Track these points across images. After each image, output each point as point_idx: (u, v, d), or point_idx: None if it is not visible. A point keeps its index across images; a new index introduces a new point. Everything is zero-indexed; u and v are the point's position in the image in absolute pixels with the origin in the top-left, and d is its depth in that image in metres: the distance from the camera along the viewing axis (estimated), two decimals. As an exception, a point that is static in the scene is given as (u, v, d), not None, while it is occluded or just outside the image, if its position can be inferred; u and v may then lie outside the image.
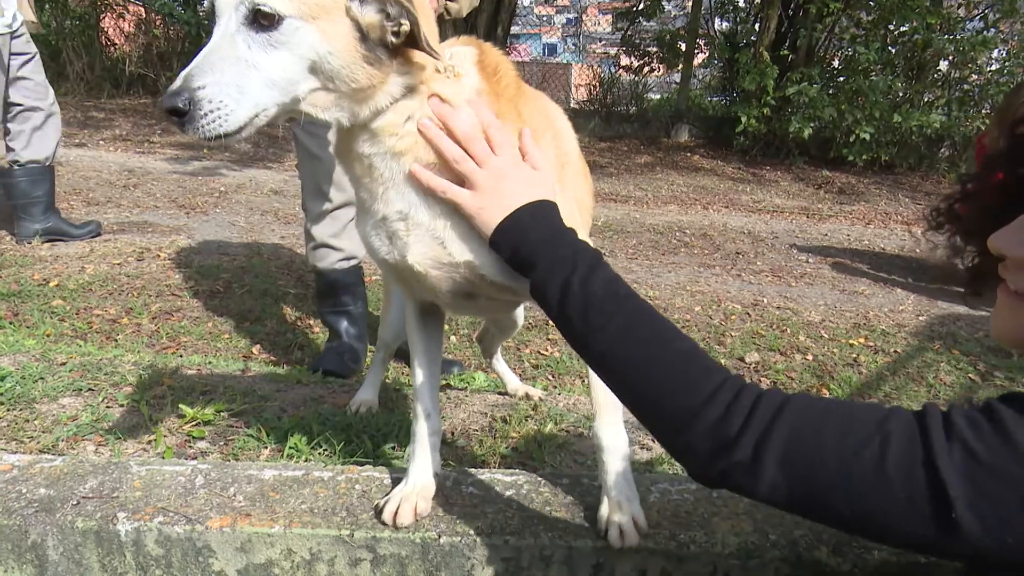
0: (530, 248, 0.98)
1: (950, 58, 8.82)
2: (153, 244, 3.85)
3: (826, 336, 3.36)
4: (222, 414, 1.74)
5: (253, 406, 1.82)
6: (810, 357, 3.13)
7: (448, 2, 2.12)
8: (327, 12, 0.96)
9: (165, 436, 1.63)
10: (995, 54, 9.18)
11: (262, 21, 0.94)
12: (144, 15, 9.71)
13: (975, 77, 8.98)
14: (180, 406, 1.73)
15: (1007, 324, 0.80)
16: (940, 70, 9.10)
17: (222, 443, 1.64)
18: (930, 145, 8.60)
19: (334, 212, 2.36)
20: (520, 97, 1.20)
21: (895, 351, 3.25)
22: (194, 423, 1.69)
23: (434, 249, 1.14)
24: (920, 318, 3.70)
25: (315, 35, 0.95)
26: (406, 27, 0.98)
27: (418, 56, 1.03)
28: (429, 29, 1.05)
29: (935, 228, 0.97)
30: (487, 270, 1.13)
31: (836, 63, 9.02)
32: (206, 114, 0.94)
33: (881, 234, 5.95)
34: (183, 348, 2.77)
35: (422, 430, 1.32)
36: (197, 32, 9.56)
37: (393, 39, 0.99)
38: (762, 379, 2.95)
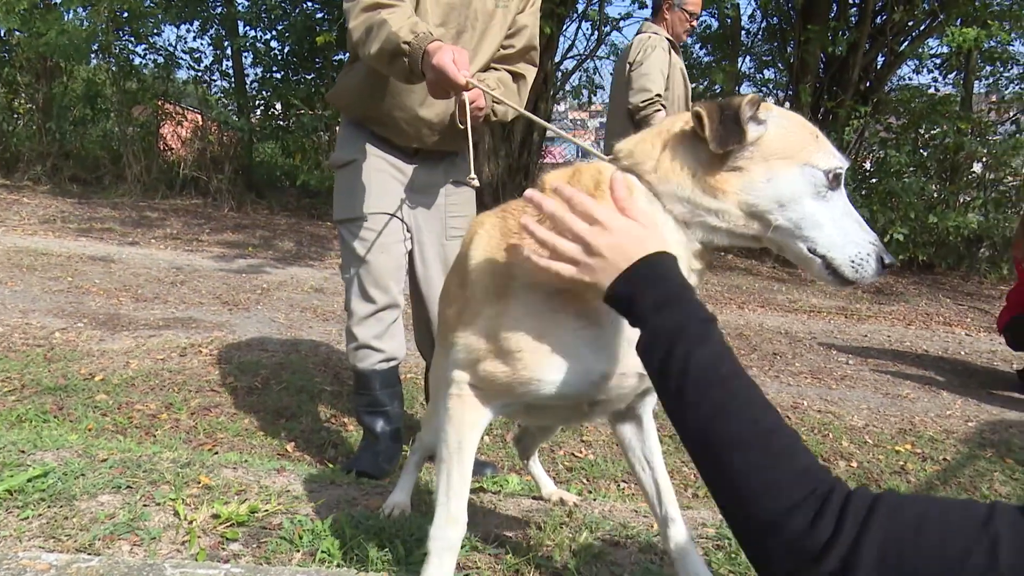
0: (640, 309, 0.98)
1: (984, 160, 8.89)
2: (196, 340, 3.95)
3: (870, 442, 3.26)
4: (256, 515, 1.74)
5: (287, 507, 1.81)
6: (855, 464, 3.03)
7: (496, 105, 2.22)
8: None
9: (199, 537, 1.62)
10: (1029, 156, 9.23)
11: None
12: (201, 122, 10.34)
13: (1010, 179, 9.01)
14: (215, 506, 1.73)
15: None
16: (974, 172, 9.15)
17: (255, 545, 1.63)
18: (969, 245, 8.54)
19: (378, 314, 2.41)
20: None
21: (944, 459, 3.13)
22: (228, 524, 1.68)
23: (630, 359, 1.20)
24: (969, 424, 3.58)
25: None
26: None
27: None
28: None
29: None
30: None
31: (868, 165, 9.14)
32: None
33: (923, 335, 5.83)
34: (220, 444, 2.79)
35: (454, 536, 1.30)
36: (249, 138, 10.13)
37: None
38: (805, 486, 2.85)
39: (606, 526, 1.84)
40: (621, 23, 10.45)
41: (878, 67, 9.21)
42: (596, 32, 10.25)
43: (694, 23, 4.44)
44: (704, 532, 1.84)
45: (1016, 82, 9.43)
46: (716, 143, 1.11)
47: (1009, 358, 4.97)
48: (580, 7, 9.82)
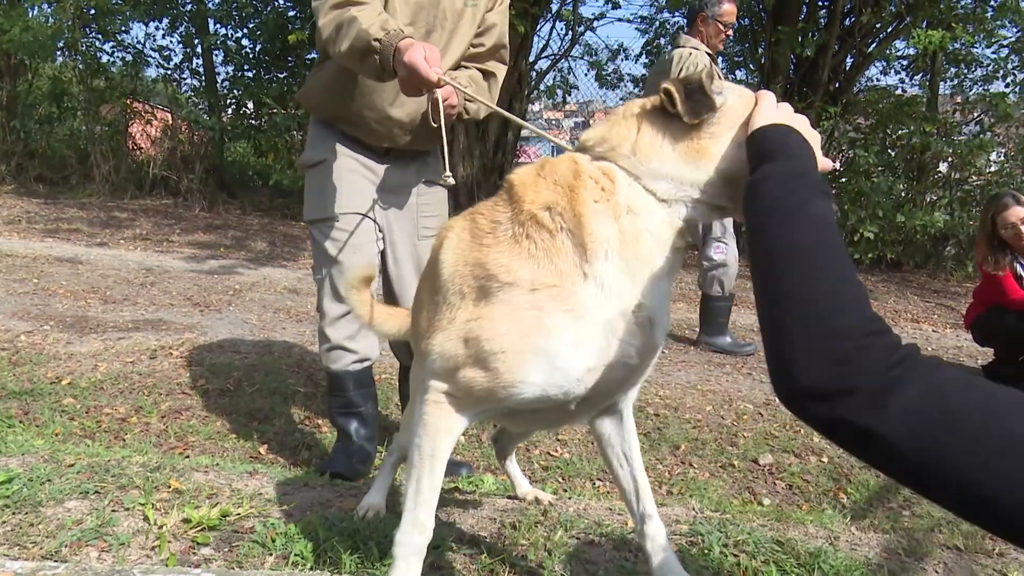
0: (779, 148, 1.04)
1: (949, 160, 9.06)
2: (166, 342, 3.90)
3: (841, 437, 3.31)
4: (228, 518, 1.72)
5: (259, 510, 1.79)
6: (825, 459, 3.07)
7: (467, 103, 2.21)
8: None
9: (169, 542, 1.60)
10: (993, 156, 9.44)
11: None
12: (171, 121, 10.17)
13: (975, 178, 9.19)
14: (185, 510, 1.71)
15: None
16: (940, 171, 9.32)
17: (227, 549, 1.61)
18: (935, 244, 8.69)
19: (351, 315, 2.38)
20: None
21: None
22: (199, 528, 1.66)
23: (646, 338, 1.23)
24: (936, 419, 3.65)
25: None
26: None
27: None
28: None
29: None
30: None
31: (837, 165, 9.28)
32: None
33: (892, 332, 5.93)
34: (191, 448, 2.76)
35: (422, 541, 1.30)
36: (221, 137, 10.00)
37: None
38: (777, 481, 2.89)
39: (581, 524, 1.84)
40: (595, 23, 10.47)
41: (847, 68, 9.34)
42: (570, 32, 10.27)
43: (729, 33, 4.43)
44: (677, 529, 1.86)
45: (979, 84, 9.62)
46: (689, 115, 1.15)
47: (974, 353, 5.07)
48: (554, 7, 9.84)
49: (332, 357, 2.45)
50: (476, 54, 2.31)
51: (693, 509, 2.07)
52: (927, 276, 8.41)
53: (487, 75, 2.33)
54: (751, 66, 10.07)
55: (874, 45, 9.18)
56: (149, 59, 10.53)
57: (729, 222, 4.45)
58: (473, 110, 2.24)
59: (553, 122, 19.08)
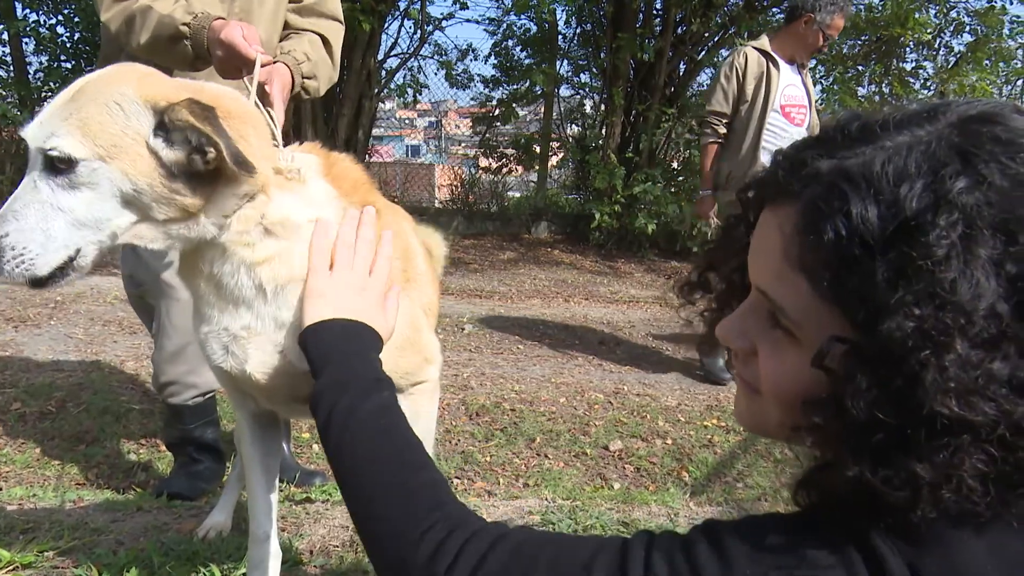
0: (323, 358, 0.96)
1: (772, 159, 9.92)
2: (-28, 363, 3.48)
3: (683, 419, 3.53)
4: (46, 554, 1.56)
5: (84, 541, 1.64)
6: (669, 441, 3.27)
7: (307, 80, 2.11)
8: (124, 151, 0.96)
9: (-26, 587, 1.43)
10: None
11: (59, 165, 0.96)
12: (-27, 116, 9.08)
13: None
14: (-6, 549, 1.54)
15: (744, 411, 0.80)
16: (765, 169, 10.19)
17: (45, 588, 1.46)
18: (764, 236, 9.48)
19: (190, 347, 2.17)
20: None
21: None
22: (10, 568, 1.50)
23: (274, 358, 1.13)
24: (764, 397, 3.98)
25: (116, 174, 0.97)
26: (213, 153, 0.98)
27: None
28: (257, 132, 1.08)
29: (688, 301, 0.93)
30: None
31: (676, 164, 9.87)
32: (9, 260, 0.94)
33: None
34: (5, 479, 2.48)
35: (260, 555, 1.26)
36: (35, 134, 9.05)
37: (204, 166, 0.99)
38: (626, 466, 3.04)
39: (436, 524, 1.84)
40: (443, 23, 10.47)
41: (680, 74, 9.96)
42: (419, 31, 10.21)
43: (824, 47, 4.21)
44: (530, 520, 1.91)
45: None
46: None
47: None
48: (402, 5, 9.74)
49: (169, 392, 2.26)
50: (298, 8, 2.18)
51: (546, 499, 2.14)
52: (756, 266, 9.15)
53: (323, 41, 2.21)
54: (594, 70, 10.49)
55: (703, 53, 9.85)
56: (-57, 45, 9.35)
57: None
58: (313, 88, 2.13)
59: (407, 121, 18.90)
